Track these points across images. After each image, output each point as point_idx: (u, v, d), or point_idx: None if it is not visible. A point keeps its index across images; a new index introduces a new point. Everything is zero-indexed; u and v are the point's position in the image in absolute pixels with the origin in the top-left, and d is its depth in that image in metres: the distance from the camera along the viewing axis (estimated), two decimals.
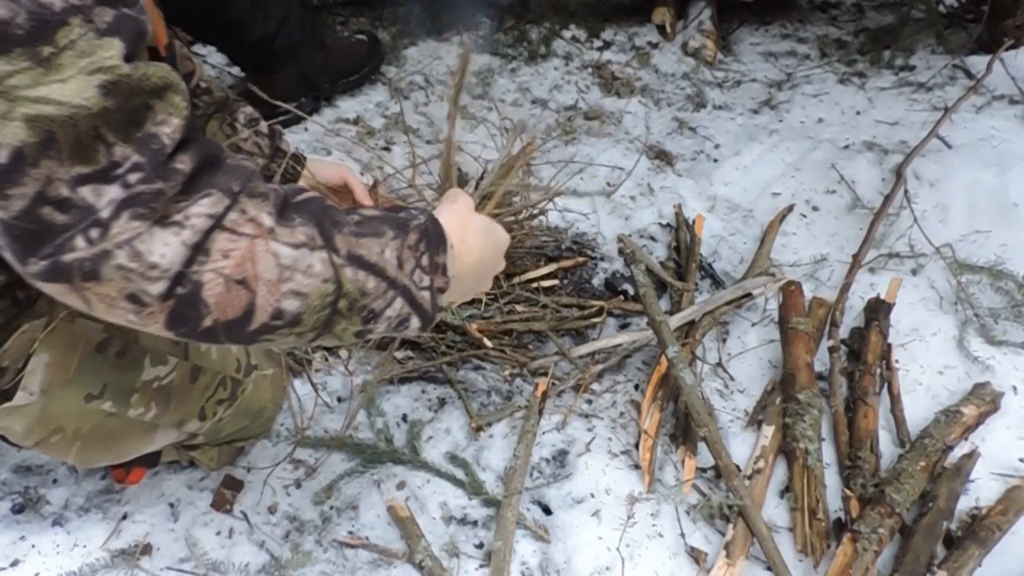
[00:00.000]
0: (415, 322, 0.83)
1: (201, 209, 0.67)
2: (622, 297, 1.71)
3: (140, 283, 0.66)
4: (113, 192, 0.64)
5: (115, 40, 0.64)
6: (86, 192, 0.63)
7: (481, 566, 1.26)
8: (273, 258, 0.70)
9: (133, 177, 0.64)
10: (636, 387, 1.54)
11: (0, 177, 0.61)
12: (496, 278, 1.62)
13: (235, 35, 1.40)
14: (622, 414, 1.49)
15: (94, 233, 0.64)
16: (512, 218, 1.73)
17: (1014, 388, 1.49)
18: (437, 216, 0.87)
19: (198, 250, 0.67)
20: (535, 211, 1.78)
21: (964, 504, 1.32)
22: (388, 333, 0.83)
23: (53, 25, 0.60)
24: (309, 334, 0.76)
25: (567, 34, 2.60)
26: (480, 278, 0.96)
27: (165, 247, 0.66)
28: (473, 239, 0.91)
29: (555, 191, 1.76)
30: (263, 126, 1.44)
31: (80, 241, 0.64)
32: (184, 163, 0.67)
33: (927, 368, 1.54)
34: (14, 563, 1.22)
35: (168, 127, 0.67)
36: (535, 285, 1.68)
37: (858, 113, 2.28)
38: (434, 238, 0.83)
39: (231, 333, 0.72)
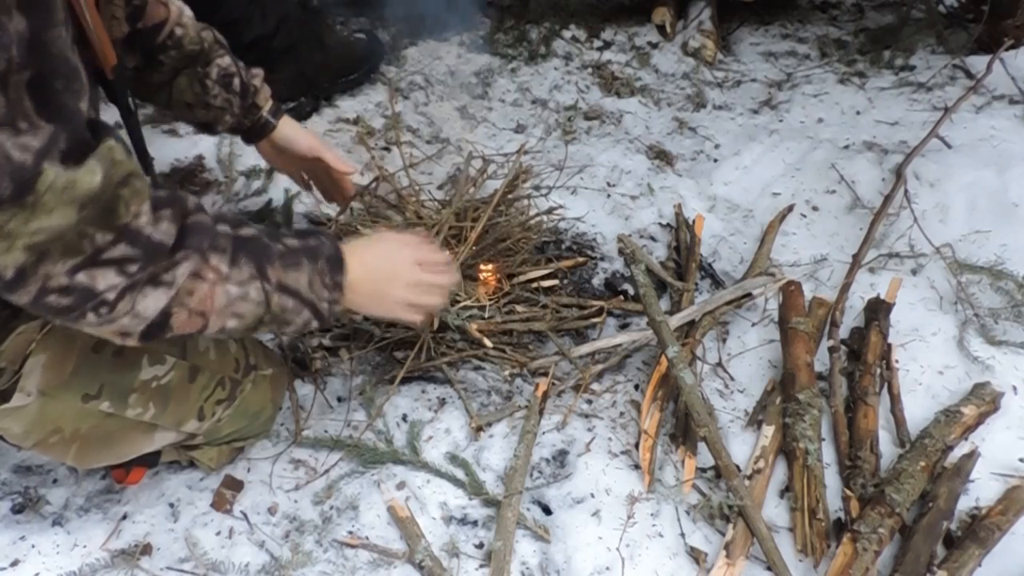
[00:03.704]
0: (315, 324, 1.07)
1: (182, 270, 0.88)
2: (622, 297, 1.71)
3: (131, 326, 0.87)
4: (113, 279, 0.82)
5: (88, 165, 0.76)
6: (82, 277, 0.80)
7: (481, 566, 1.26)
8: (225, 295, 0.93)
9: (131, 267, 0.82)
10: (636, 387, 1.54)
11: (9, 287, 0.77)
12: (498, 280, 1.63)
13: (232, 35, 1.40)
14: (622, 414, 1.49)
15: (103, 310, 0.83)
16: (507, 218, 1.73)
17: (1014, 388, 1.49)
18: (345, 248, 1.09)
19: (170, 304, 0.88)
20: (534, 214, 1.78)
21: (964, 504, 1.32)
22: (294, 332, 1.09)
23: (31, 178, 0.72)
24: (234, 334, 1.05)
25: (567, 34, 2.60)
26: (376, 293, 1.15)
27: (151, 304, 0.87)
28: (369, 261, 1.13)
29: (549, 209, 1.81)
30: (236, 84, 1.41)
31: (91, 316, 0.83)
32: (168, 235, 0.86)
33: (927, 368, 1.54)
34: (14, 563, 1.22)
35: (143, 215, 0.83)
36: (535, 285, 1.68)
37: (858, 113, 2.28)
38: (335, 263, 1.06)
39: (177, 339, 0.95)
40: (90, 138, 0.79)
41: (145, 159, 1.22)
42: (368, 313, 1.18)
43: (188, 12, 1.39)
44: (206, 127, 1.47)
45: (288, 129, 1.50)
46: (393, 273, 1.16)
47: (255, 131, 1.49)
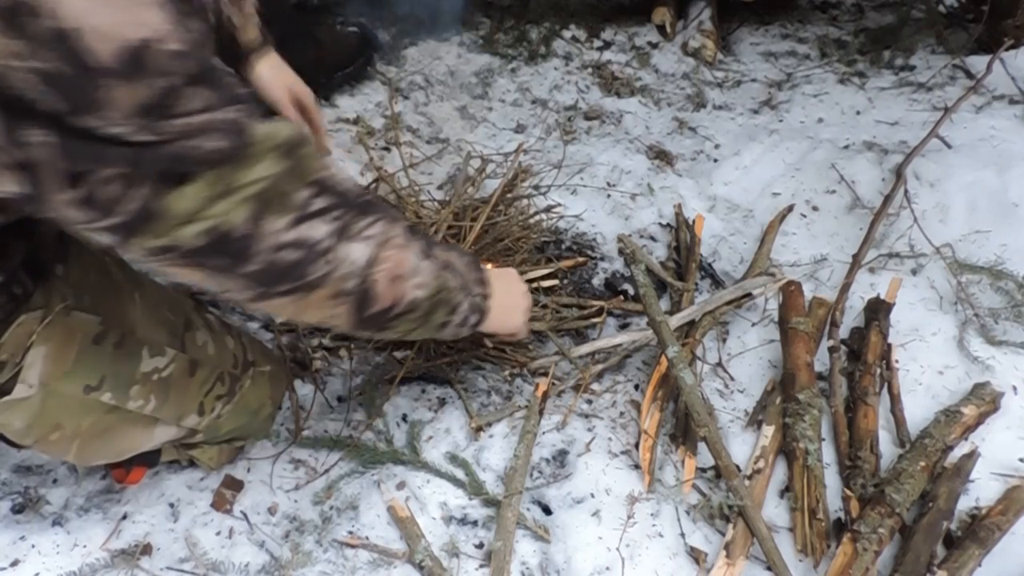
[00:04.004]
0: (472, 319, 1.12)
1: (376, 229, 0.93)
2: (622, 297, 1.71)
3: (343, 283, 0.91)
4: (325, 227, 0.87)
5: (279, 122, 0.82)
6: (302, 229, 0.85)
7: (481, 566, 1.26)
8: (411, 261, 0.98)
9: (336, 213, 0.88)
10: (636, 387, 1.54)
11: (243, 240, 0.82)
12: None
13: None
14: (622, 414, 1.49)
15: (326, 258, 0.88)
16: (508, 218, 1.73)
17: (1014, 388, 1.49)
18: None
19: (374, 257, 0.92)
20: (534, 213, 1.78)
21: (964, 504, 1.32)
22: (457, 328, 1.11)
23: (243, 132, 0.78)
24: (417, 320, 1.03)
25: (567, 34, 2.60)
26: (507, 306, 1.22)
27: (360, 254, 0.91)
28: (500, 277, 1.21)
29: (548, 207, 1.80)
30: (210, 19, 1.34)
31: (316, 268, 0.87)
32: (353, 187, 0.92)
33: (927, 368, 1.54)
34: (14, 563, 1.22)
35: (325, 169, 0.88)
36: (535, 285, 1.68)
37: (858, 113, 2.28)
38: (476, 263, 1.14)
39: (378, 319, 0.98)
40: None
41: None
42: (494, 326, 1.21)
43: None
44: None
45: (265, 71, 1.43)
46: (516, 305, 1.25)
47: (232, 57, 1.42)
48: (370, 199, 0.95)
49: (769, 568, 1.23)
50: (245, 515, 1.31)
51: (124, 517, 1.29)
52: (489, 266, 1.23)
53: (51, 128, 0.67)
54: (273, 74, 1.44)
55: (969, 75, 2.33)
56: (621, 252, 1.62)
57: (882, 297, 1.64)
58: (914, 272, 1.74)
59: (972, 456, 1.37)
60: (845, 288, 1.67)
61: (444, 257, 1.05)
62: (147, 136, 0.70)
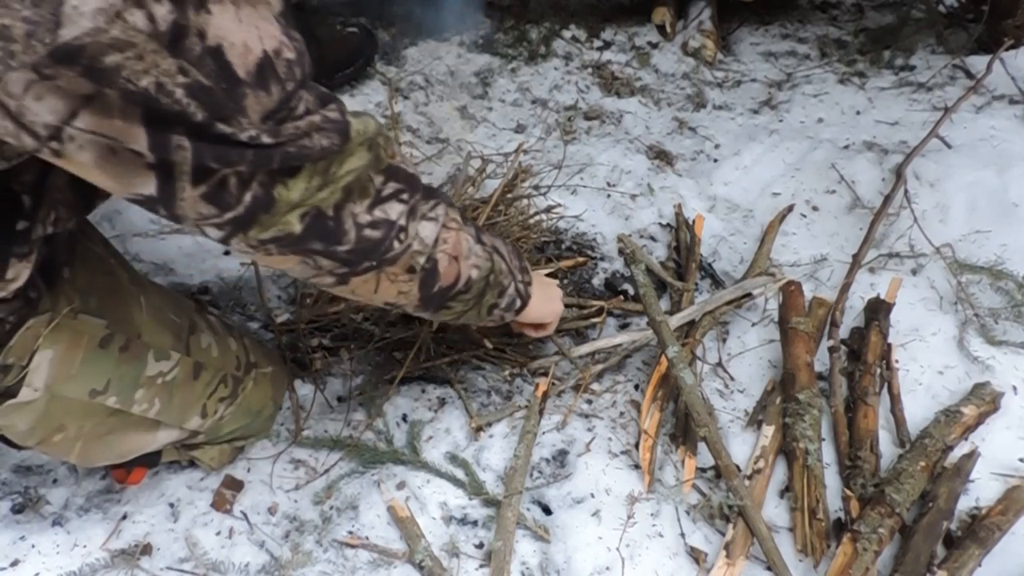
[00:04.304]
0: (517, 303, 1.21)
1: (440, 211, 1.01)
2: (622, 297, 1.71)
3: (415, 258, 0.99)
4: (398, 208, 0.94)
5: (364, 120, 0.89)
6: (378, 212, 0.92)
7: (481, 566, 1.26)
8: (466, 242, 1.06)
9: (405, 196, 0.95)
10: (636, 387, 1.54)
11: (336, 223, 0.89)
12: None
13: None
14: (622, 414, 1.49)
15: (402, 236, 0.95)
16: (508, 218, 1.73)
17: (1014, 388, 1.49)
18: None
19: (439, 236, 1.00)
20: (534, 213, 1.78)
21: (964, 504, 1.32)
22: (503, 312, 1.20)
23: (347, 129, 0.85)
24: (471, 302, 1.12)
25: (567, 34, 2.60)
26: (543, 303, 1.31)
27: (428, 232, 0.99)
28: (546, 291, 1.32)
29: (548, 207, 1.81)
30: None
31: (395, 244, 0.95)
32: (420, 178, 1.00)
33: (927, 368, 1.54)
34: (14, 563, 1.22)
35: (396, 156, 0.96)
36: None
37: (858, 113, 2.28)
38: (515, 250, 1.22)
39: (440, 297, 1.06)
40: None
41: None
42: (534, 315, 1.30)
43: None
44: None
45: None
46: (552, 309, 1.35)
47: None
48: (430, 185, 1.02)
49: (769, 568, 1.23)
50: (245, 515, 1.31)
51: (124, 517, 1.29)
52: None
53: (189, 135, 0.72)
54: None
55: (969, 75, 2.33)
56: (621, 252, 1.62)
57: (882, 297, 1.64)
58: (914, 272, 1.74)
59: (972, 456, 1.37)
60: (845, 288, 1.67)
61: (491, 242, 1.13)
62: (270, 139, 0.76)
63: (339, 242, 0.91)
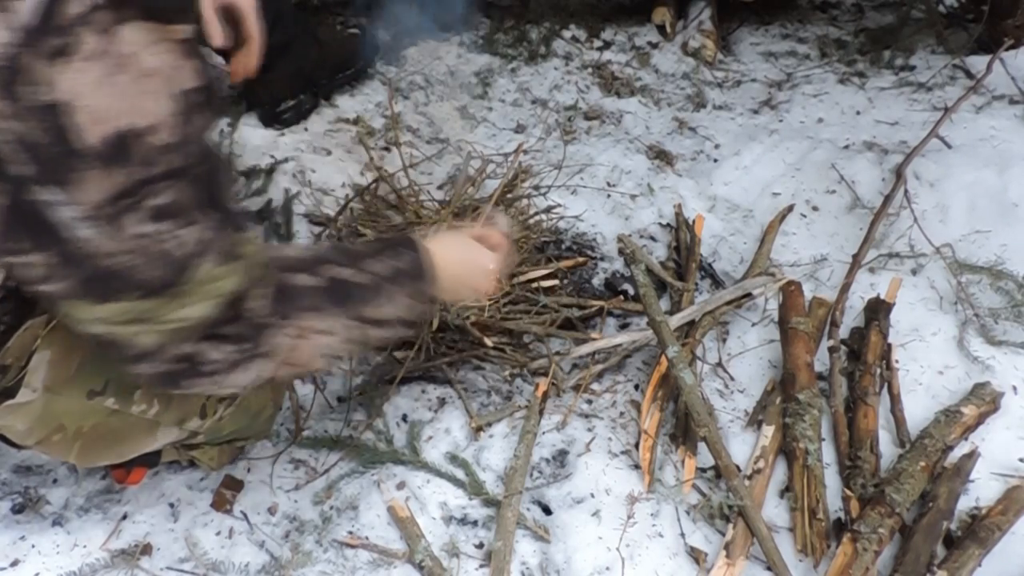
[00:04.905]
0: (410, 319, 1.07)
1: (280, 340, 0.89)
2: (622, 297, 1.71)
3: (238, 389, 0.90)
4: (226, 350, 0.84)
5: (234, 266, 0.79)
6: (202, 346, 0.82)
7: (481, 566, 1.26)
8: (317, 348, 0.95)
9: (245, 345, 0.86)
10: (636, 387, 1.54)
11: (135, 361, 0.81)
12: (498, 280, 1.62)
13: None
14: (622, 414, 1.49)
15: (217, 377, 0.86)
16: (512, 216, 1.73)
17: (1014, 388, 1.49)
18: (427, 248, 1.09)
19: (258, 376, 0.90)
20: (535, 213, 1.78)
21: (964, 504, 1.32)
22: (391, 333, 1.07)
23: (185, 269, 0.75)
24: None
25: (567, 34, 2.60)
26: (458, 291, 1.19)
27: (261, 371, 0.89)
28: (454, 267, 1.14)
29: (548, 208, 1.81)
30: None
31: (204, 381, 0.86)
32: (273, 318, 0.88)
33: (927, 368, 1.54)
34: (14, 563, 1.22)
35: (261, 299, 0.85)
36: (535, 285, 1.68)
37: (858, 113, 2.28)
38: (424, 278, 1.07)
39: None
40: (242, 237, 0.82)
41: None
42: (451, 296, 1.23)
43: None
44: None
45: None
46: (474, 281, 1.21)
47: None
48: (285, 308, 0.90)
49: (769, 568, 1.23)
50: (245, 515, 1.31)
51: (124, 517, 1.29)
52: (445, 231, 1.21)
53: (9, 188, 0.66)
54: None
55: (969, 75, 2.33)
56: (621, 252, 1.62)
57: (882, 297, 1.64)
58: (914, 272, 1.74)
59: (972, 456, 1.37)
60: (845, 288, 1.67)
61: (376, 316, 1.01)
62: (95, 231, 0.67)
63: (135, 364, 0.83)
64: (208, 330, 0.82)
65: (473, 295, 1.23)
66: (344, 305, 0.98)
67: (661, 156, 2.12)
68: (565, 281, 1.73)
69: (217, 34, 1.35)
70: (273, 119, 2.08)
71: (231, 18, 1.37)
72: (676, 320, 1.56)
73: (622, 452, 1.42)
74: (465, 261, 1.19)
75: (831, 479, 1.37)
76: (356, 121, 2.17)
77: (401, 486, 1.35)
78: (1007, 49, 2.24)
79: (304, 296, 0.94)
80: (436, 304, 1.14)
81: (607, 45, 2.59)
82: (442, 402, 1.50)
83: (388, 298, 1.03)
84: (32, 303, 1.00)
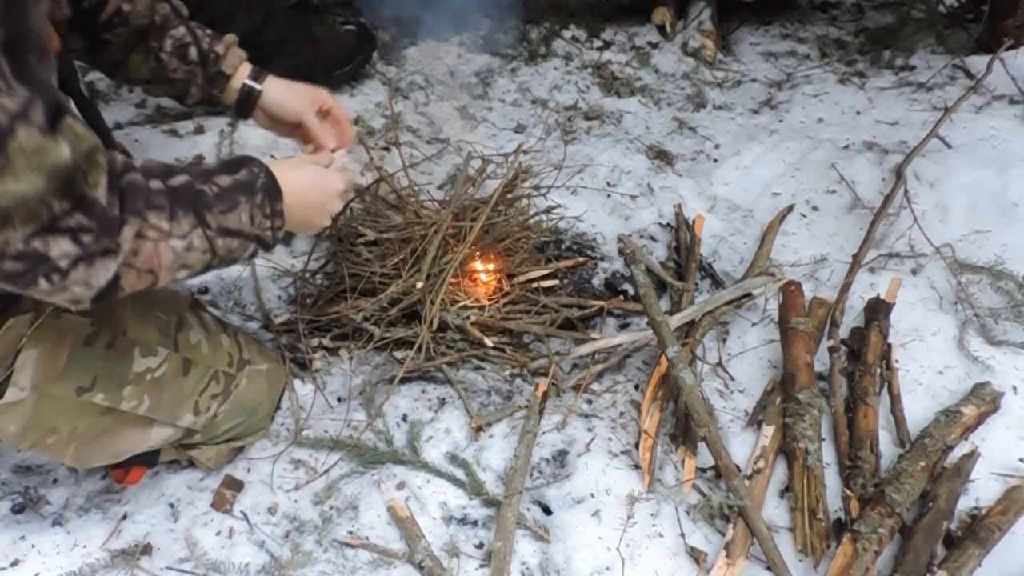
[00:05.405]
0: (261, 252, 1.10)
1: (127, 234, 0.88)
2: (622, 297, 1.71)
3: (82, 295, 0.87)
4: (65, 247, 0.82)
5: (56, 139, 0.78)
6: (37, 244, 0.80)
7: (481, 566, 1.26)
8: (171, 251, 0.94)
9: (86, 238, 0.83)
10: (636, 387, 1.54)
11: None
12: (498, 279, 1.62)
13: (219, 32, 1.40)
14: (622, 414, 1.49)
15: (55, 277, 0.83)
16: (508, 218, 1.73)
17: (1014, 388, 1.49)
18: (274, 171, 1.10)
19: (123, 263, 0.89)
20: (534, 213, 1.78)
21: (964, 504, 1.32)
22: (243, 262, 1.09)
23: (3, 139, 0.74)
24: (192, 277, 1.01)
25: (567, 34, 2.60)
26: (310, 214, 1.20)
27: (106, 272, 0.87)
28: (301, 187, 1.16)
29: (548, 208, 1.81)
30: (193, 53, 1.32)
31: (43, 283, 0.83)
32: (115, 207, 0.87)
33: (927, 368, 1.54)
34: (14, 563, 1.22)
35: (100, 187, 0.84)
36: (535, 285, 1.68)
37: (858, 113, 2.28)
38: (272, 192, 1.08)
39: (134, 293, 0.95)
40: (62, 110, 0.81)
41: (106, 144, 1.19)
42: (293, 230, 1.22)
43: None
44: (178, 100, 1.39)
45: (275, 92, 1.38)
46: (324, 203, 1.22)
47: (242, 106, 1.39)
48: (133, 203, 0.89)
49: (769, 568, 1.23)
50: (245, 515, 1.31)
51: (124, 517, 1.29)
52: (295, 161, 1.24)
53: None
54: (285, 92, 1.40)
55: (969, 75, 2.33)
56: (621, 252, 1.62)
57: (882, 297, 1.64)
58: (914, 272, 1.74)
59: (972, 456, 1.37)
60: (845, 288, 1.67)
61: (221, 223, 1.00)
62: None
63: None
64: (47, 217, 0.79)
65: (322, 216, 1.22)
66: (192, 209, 0.97)
67: (661, 156, 2.12)
68: (565, 281, 1.73)
69: (331, 139, 1.44)
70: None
71: (322, 110, 1.45)
72: (676, 320, 1.56)
73: (622, 452, 1.42)
74: (311, 181, 1.21)
75: (831, 479, 1.37)
76: (356, 121, 2.17)
77: (401, 486, 1.35)
78: (1007, 49, 2.24)
79: (151, 195, 0.93)
80: (283, 222, 1.11)
81: (607, 45, 2.59)
82: (442, 402, 1.50)
83: (234, 206, 1.02)
84: (15, 300, 1.00)
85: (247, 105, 1.39)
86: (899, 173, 1.89)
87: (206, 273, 1.04)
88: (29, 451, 1.08)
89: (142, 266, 0.92)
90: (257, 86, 1.37)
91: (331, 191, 1.23)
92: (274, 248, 1.13)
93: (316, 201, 1.21)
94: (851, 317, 1.65)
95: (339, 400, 1.50)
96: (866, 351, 1.53)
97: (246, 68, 1.37)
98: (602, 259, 1.81)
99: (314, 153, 1.41)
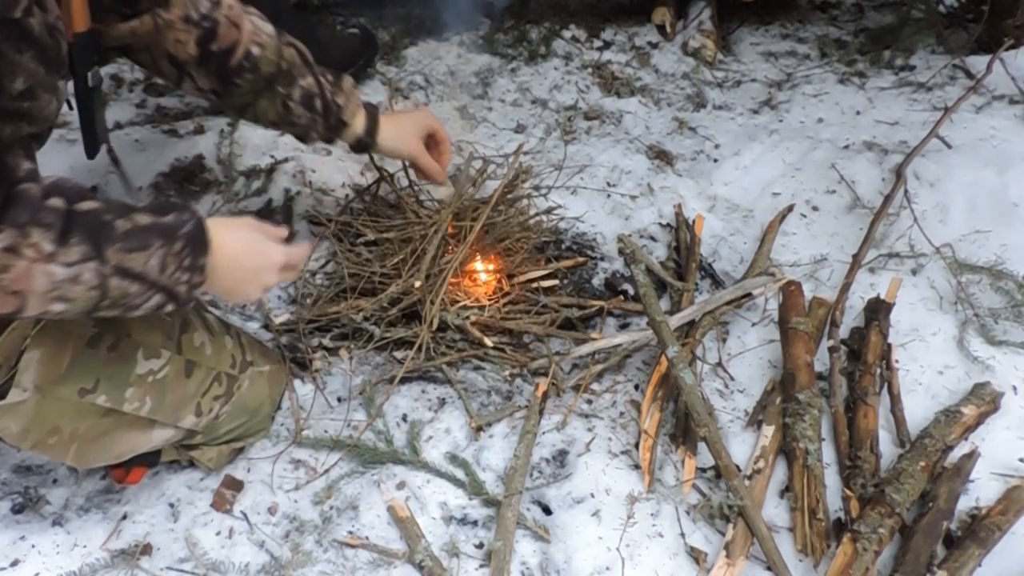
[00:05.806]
0: (170, 307, 1.02)
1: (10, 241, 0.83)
2: (622, 297, 1.71)
3: None
4: None
5: None
6: None
7: (481, 566, 1.26)
8: (47, 276, 0.87)
9: None
10: (636, 387, 1.54)
11: None
12: (498, 279, 1.62)
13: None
14: (622, 414, 1.49)
15: None
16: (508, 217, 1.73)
17: (1014, 388, 1.49)
18: (210, 225, 1.03)
19: None
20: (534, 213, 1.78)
21: (964, 504, 1.32)
22: (145, 314, 1.01)
23: None
24: (67, 318, 0.94)
25: (567, 34, 2.60)
26: (239, 281, 1.12)
27: None
28: (236, 249, 1.09)
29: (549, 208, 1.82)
30: (319, 104, 1.41)
31: None
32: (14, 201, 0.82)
33: (927, 368, 1.54)
34: (14, 563, 1.22)
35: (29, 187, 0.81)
36: (535, 285, 1.68)
37: (858, 113, 2.28)
38: (198, 244, 1.01)
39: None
40: None
41: (94, 137, 1.19)
42: (216, 294, 1.15)
43: (267, 30, 1.38)
44: (299, 140, 1.50)
45: (389, 141, 1.51)
46: (258, 272, 1.13)
47: (357, 148, 1.53)
48: (15, 214, 0.85)
49: (769, 568, 1.23)
50: (245, 515, 1.31)
51: (124, 517, 1.29)
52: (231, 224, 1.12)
53: None
54: (396, 138, 1.50)
55: (969, 75, 2.33)
56: (621, 252, 1.62)
57: (882, 297, 1.64)
58: (914, 272, 1.74)
59: (972, 456, 1.37)
60: (845, 288, 1.67)
61: (122, 262, 0.93)
62: None
63: None
64: None
65: (252, 286, 1.13)
66: (90, 239, 0.90)
67: (661, 156, 2.12)
68: (565, 281, 1.74)
69: (438, 173, 1.56)
70: None
71: (432, 141, 1.57)
72: (676, 320, 1.56)
73: (622, 452, 1.42)
74: (249, 247, 1.12)
75: (831, 479, 1.37)
76: None
77: (401, 486, 1.35)
78: (1007, 49, 2.24)
79: (41, 211, 0.86)
80: (203, 279, 1.03)
81: (607, 45, 2.59)
82: (442, 402, 1.50)
83: (143, 247, 0.94)
84: None
85: (362, 150, 1.53)
86: (899, 173, 1.89)
87: (93, 315, 0.95)
88: (30, 451, 1.08)
89: (7, 285, 0.85)
90: (369, 139, 1.50)
91: (268, 262, 1.14)
92: (185, 305, 1.04)
93: (250, 267, 1.12)
94: (851, 317, 1.65)
95: (339, 400, 1.50)
96: (866, 351, 1.53)
97: (362, 118, 1.49)
98: (602, 259, 1.81)
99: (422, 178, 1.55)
